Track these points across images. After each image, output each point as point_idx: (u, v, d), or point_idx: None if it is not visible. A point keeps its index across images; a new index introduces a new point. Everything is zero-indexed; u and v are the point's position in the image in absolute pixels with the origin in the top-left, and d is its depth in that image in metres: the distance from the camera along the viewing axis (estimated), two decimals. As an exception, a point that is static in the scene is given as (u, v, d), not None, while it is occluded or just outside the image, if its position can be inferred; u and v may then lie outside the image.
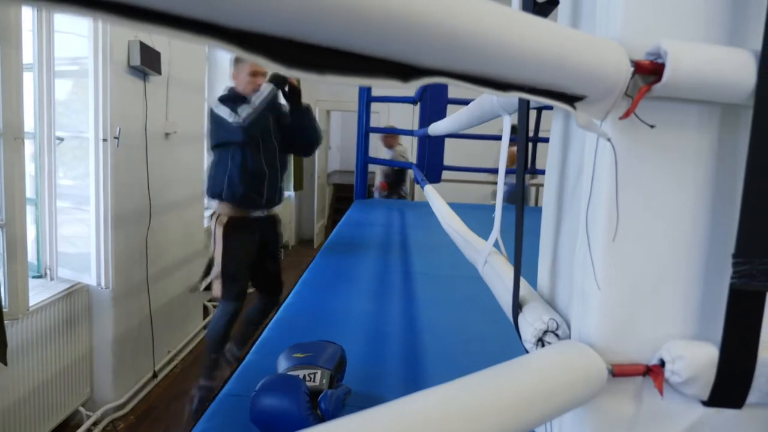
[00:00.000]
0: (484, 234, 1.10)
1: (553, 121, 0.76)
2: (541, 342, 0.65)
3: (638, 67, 0.52)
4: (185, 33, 0.30)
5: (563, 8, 0.73)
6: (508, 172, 1.00)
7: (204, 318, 4.98)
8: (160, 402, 3.79)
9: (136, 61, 3.40)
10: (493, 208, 0.94)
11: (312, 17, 0.31)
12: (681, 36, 0.55)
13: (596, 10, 0.60)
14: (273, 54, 0.32)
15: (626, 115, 0.54)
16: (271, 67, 0.32)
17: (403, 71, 0.38)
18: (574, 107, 0.53)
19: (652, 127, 0.55)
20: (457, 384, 0.50)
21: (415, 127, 6.05)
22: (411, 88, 0.41)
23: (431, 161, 4.83)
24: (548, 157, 0.77)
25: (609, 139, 0.55)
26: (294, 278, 3.30)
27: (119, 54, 3.31)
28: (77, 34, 3.16)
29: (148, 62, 3.51)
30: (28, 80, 2.92)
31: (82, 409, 3.31)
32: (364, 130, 5.33)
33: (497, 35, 0.41)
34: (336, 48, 0.34)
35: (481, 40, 0.40)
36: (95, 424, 3.34)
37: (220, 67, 5.50)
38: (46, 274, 3.22)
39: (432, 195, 2.37)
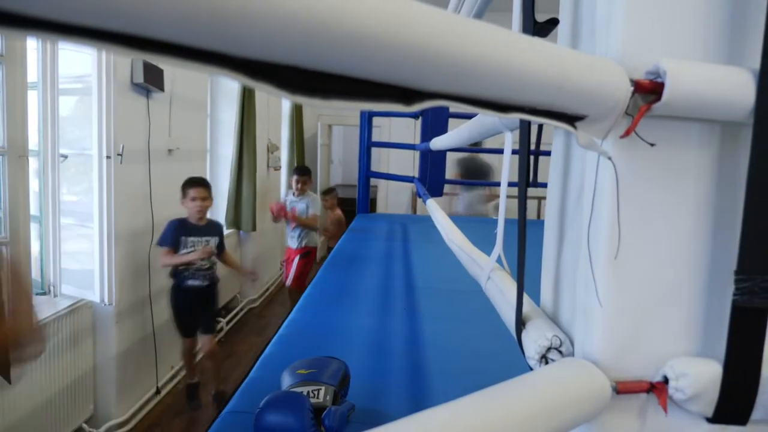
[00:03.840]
0: (487, 248, 1.10)
1: (554, 139, 0.76)
2: (544, 359, 0.65)
3: (638, 87, 0.52)
4: (192, 62, 0.30)
5: (563, 28, 0.73)
6: (510, 185, 1.00)
7: (207, 333, 4.96)
8: (163, 418, 3.78)
9: (140, 78, 3.43)
10: (494, 221, 0.94)
11: (318, 45, 0.31)
12: (680, 55, 0.56)
13: (596, 30, 0.61)
14: (278, 81, 0.33)
15: (627, 133, 0.54)
16: (277, 94, 0.33)
17: (407, 95, 0.39)
18: (575, 127, 0.53)
19: (652, 145, 0.56)
20: (462, 402, 0.50)
21: (417, 141, 6.07)
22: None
23: (433, 175, 4.84)
24: (550, 174, 0.77)
25: (610, 158, 0.55)
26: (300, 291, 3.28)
27: (123, 71, 3.34)
28: (81, 52, 3.18)
29: (152, 79, 3.54)
30: (33, 98, 2.94)
31: (85, 425, 3.30)
32: (366, 144, 5.35)
33: (498, 59, 0.41)
34: (340, 74, 0.35)
35: (483, 63, 0.40)
36: (98, 440, 3.33)
37: (223, 84, 5.54)
38: (49, 290, 3.22)
39: (434, 209, 2.38)
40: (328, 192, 6.27)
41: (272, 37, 0.30)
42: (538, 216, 6.60)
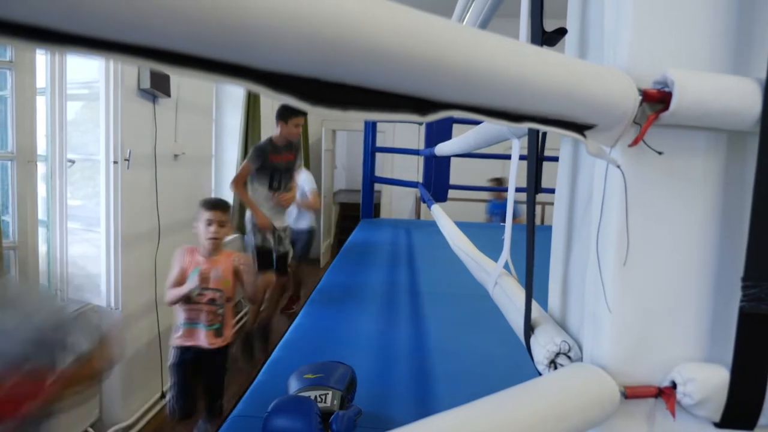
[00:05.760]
0: (492, 253, 1.11)
1: (562, 146, 0.77)
2: (553, 364, 0.65)
3: (646, 96, 0.53)
4: (214, 75, 0.31)
5: (571, 38, 0.74)
6: (517, 190, 1.01)
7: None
8: (169, 422, 3.78)
9: (146, 84, 3.45)
10: (501, 227, 0.95)
11: (338, 59, 0.32)
12: (687, 65, 0.57)
13: (604, 40, 0.62)
14: (299, 93, 0.34)
15: (635, 142, 0.55)
16: (298, 105, 0.34)
17: (422, 106, 0.40)
18: (584, 136, 0.54)
19: (660, 153, 0.57)
20: (471, 407, 0.50)
21: (421, 146, 6.08)
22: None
23: (437, 180, 4.86)
24: (558, 181, 0.78)
25: (618, 166, 0.56)
26: (303, 298, 3.30)
27: (130, 77, 3.36)
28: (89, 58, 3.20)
29: (158, 85, 3.56)
30: (41, 104, 2.96)
31: (91, 430, 3.30)
32: (370, 149, 5.37)
33: (510, 70, 0.42)
34: (358, 86, 0.36)
35: (495, 75, 0.41)
36: (104, 445, 3.34)
37: (228, 90, 5.56)
38: (56, 294, 3.24)
39: (439, 214, 2.39)
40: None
41: (295, 52, 0.31)
42: (542, 221, 6.60)
